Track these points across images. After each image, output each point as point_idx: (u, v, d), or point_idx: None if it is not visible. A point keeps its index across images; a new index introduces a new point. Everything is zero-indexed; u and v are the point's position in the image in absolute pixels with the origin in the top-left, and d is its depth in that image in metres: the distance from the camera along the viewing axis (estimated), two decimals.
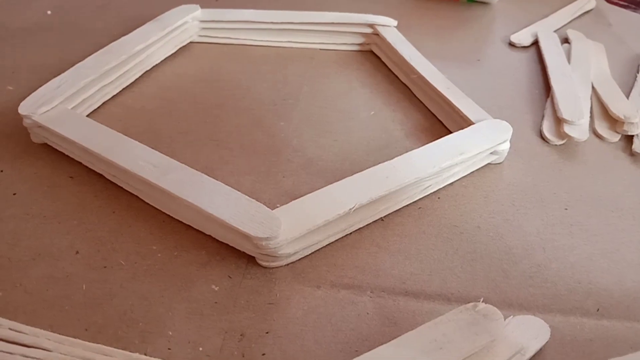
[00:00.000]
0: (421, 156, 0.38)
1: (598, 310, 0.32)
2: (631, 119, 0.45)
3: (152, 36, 0.48)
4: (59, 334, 0.29)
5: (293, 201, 0.34)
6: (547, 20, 0.63)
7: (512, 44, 0.58)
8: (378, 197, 0.35)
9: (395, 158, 0.38)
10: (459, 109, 0.42)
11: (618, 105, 0.47)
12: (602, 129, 0.46)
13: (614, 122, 0.46)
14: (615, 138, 0.45)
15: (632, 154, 0.44)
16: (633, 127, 0.45)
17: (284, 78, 0.50)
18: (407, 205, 0.38)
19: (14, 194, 0.38)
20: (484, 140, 0.40)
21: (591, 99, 0.49)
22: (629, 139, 0.45)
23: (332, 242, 0.35)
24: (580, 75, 0.51)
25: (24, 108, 0.39)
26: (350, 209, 0.34)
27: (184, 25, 0.52)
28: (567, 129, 0.44)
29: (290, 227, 0.33)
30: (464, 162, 0.40)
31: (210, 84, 0.49)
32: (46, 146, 0.41)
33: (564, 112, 0.45)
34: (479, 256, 0.35)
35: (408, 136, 0.44)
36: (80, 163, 0.39)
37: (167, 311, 0.31)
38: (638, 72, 0.53)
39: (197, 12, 0.53)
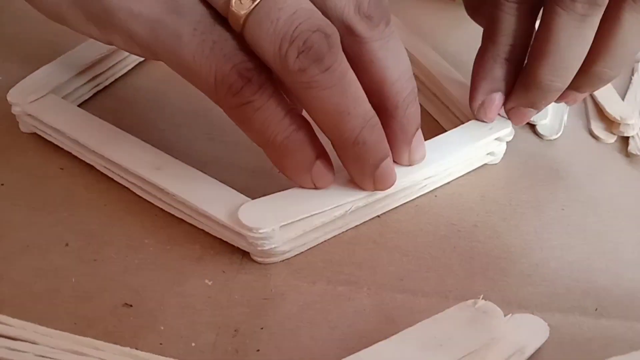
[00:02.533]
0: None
1: (597, 309, 0.32)
2: (627, 120, 0.45)
3: None
4: (47, 327, 0.28)
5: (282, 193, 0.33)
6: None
7: None
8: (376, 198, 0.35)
9: None
10: (462, 102, 0.42)
11: (614, 106, 0.47)
12: (598, 130, 0.46)
13: (610, 123, 0.46)
14: (612, 139, 0.45)
15: (627, 155, 0.44)
16: (629, 129, 0.45)
17: None
18: (404, 204, 0.38)
19: (2, 185, 0.37)
20: (483, 134, 0.39)
21: (586, 100, 0.49)
22: (625, 140, 0.45)
23: (328, 239, 0.35)
24: None
25: (12, 95, 0.38)
26: (346, 211, 0.34)
27: None
28: (537, 127, 0.45)
29: (285, 227, 0.32)
30: (461, 162, 0.39)
31: None
32: (35, 136, 0.40)
33: None
34: (477, 254, 0.35)
35: None
36: (71, 154, 0.38)
37: (159, 305, 0.30)
38: (632, 75, 0.53)
39: None
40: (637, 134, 0.45)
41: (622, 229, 0.38)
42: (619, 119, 0.46)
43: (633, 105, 0.48)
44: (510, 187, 0.40)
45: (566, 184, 0.41)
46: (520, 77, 0.38)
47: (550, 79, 0.35)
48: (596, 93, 0.49)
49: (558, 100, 0.39)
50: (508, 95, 0.38)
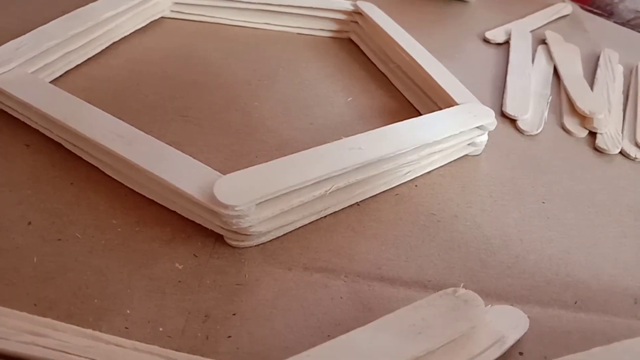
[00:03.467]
0: (402, 130, 0.37)
1: (576, 302, 0.32)
2: (597, 114, 0.45)
3: (122, 5, 0.45)
4: (4, 307, 0.26)
5: (253, 168, 0.32)
6: (524, 20, 0.63)
7: (486, 40, 0.58)
8: (356, 167, 0.33)
9: (374, 130, 0.36)
10: (445, 90, 0.41)
11: (584, 101, 0.47)
12: (571, 124, 0.46)
13: (583, 118, 0.46)
14: (583, 134, 0.45)
15: (597, 149, 0.44)
16: (601, 124, 0.45)
17: (259, 59, 0.49)
18: (384, 192, 0.37)
19: None
20: (466, 120, 0.38)
21: (561, 96, 0.50)
22: (595, 134, 0.46)
23: (305, 225, 0.34)
24: (568, 74, 0.52)
25: None
26: (326, 191, 0.33)
27: None
28: (519, 123, 0.46)
29: (262, 205, 0.31)
30: (442, 151, 0.38)
31: (182, 60, 0.47)
32: (1, 112, 0.38)
33: (508, 108, 0.47)
34: (457, 245, 0.34)
35: (386, 123, 0.43)
36: (38, 131, 0.36)
37: (125, 288, 0.29)
38: (597, 69, 0.54)
39: None
40: (609, 129, 0.45)
41: (601, 224, 0.37)
42: (588, 113, 0.46)
43: (603, 100, 0.48)
44: (491, 179, 0.40)
45: (546, 178, 0.40)
46: None
47: None
48: (569, 88, 0.49)
49: None
50: None
